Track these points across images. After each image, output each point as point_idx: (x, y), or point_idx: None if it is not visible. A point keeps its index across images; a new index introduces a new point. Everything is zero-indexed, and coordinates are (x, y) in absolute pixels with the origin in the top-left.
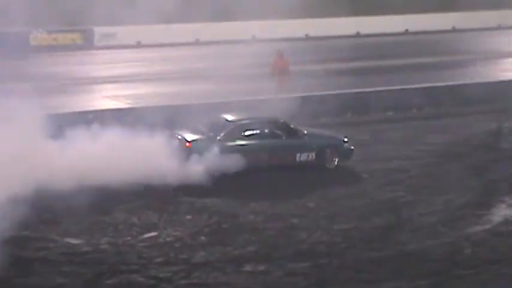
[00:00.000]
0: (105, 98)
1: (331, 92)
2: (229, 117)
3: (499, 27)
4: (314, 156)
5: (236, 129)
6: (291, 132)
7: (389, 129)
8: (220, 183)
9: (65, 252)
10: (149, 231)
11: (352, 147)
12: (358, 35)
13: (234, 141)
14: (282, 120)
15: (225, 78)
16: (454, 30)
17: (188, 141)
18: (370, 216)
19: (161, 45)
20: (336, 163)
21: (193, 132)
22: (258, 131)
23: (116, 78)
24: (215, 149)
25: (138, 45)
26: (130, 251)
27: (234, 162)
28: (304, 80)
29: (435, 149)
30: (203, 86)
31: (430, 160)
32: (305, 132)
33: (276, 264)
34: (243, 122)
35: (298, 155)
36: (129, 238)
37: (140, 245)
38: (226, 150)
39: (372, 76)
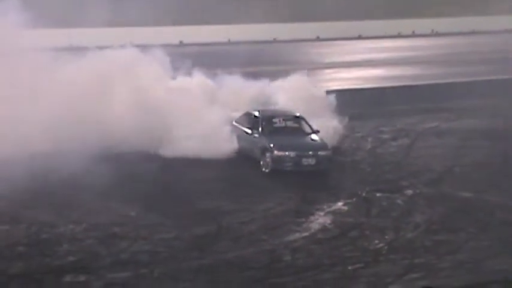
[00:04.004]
0: None
1: None
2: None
3: (318, 39)
4: (259, 155)
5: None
6: (261, 129)
7: None
8: (39, 197)
9: None
10: None
11: (287, 154)
12: (181, 44)
13: None
14: (263, 117)
15: None
16: (275, 41)
17: None
18: (191, 225)
19: None
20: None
21: None
22: (249, 123)
23: None
24: None
25: None
26: None
27: None
28: None
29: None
30: None
31: (252, 170)
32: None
33: (96, 274)
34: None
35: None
36: None
37: None
38: None
39: None
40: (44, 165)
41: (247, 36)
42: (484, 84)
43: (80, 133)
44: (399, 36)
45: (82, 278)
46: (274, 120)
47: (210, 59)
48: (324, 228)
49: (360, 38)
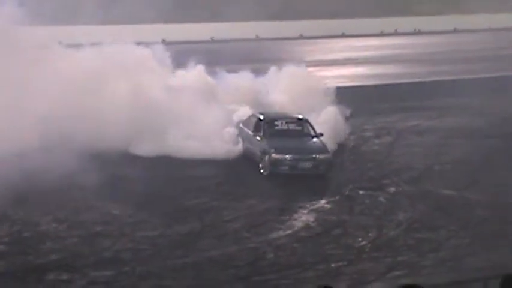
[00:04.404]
0: None
1: None
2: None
3: (301, 37)
4: (260, 157)
5: None
6: (263, 132)
7: None
8: (25, 196)
9: None
10: None
11: (285, 157)
12: (164, 42)
13: None
14: (266, 119)
15: None
16: (258, 38)
17: None
18: (175, 223)
19: None
20: (267, 170)
21: None
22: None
23: None
24: None
25: None
26: None
27: None
28: None
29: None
30: None
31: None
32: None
33: (80, 272)
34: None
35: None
36: None
37: None
38: None
39: None
40: (35, 163)
41: (231, 34)
42: (465, 82)
43: (74, 131)
44: (382, 34)
45: (65, 276)
46: (276, 122)
47: (196, 57)
48: (307, 226)
49: (343, 36)
